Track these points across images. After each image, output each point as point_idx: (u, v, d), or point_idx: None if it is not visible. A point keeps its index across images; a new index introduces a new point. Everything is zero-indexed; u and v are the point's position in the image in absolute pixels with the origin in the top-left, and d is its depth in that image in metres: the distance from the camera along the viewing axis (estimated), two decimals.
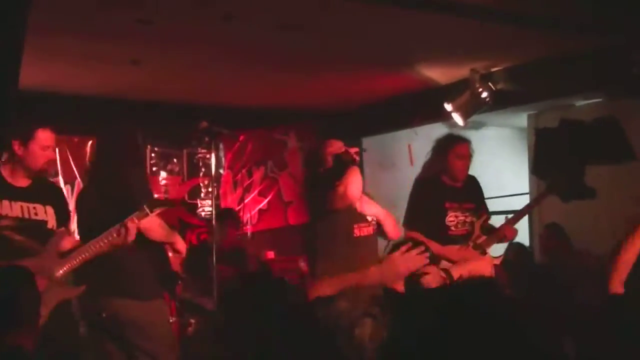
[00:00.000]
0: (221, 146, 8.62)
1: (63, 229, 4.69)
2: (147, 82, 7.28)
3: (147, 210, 4.51)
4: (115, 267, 4.71)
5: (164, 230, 4.84)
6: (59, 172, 7.83)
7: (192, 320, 6.35)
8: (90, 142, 7.96)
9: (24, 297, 3.13)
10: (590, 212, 7.26)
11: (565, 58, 6.55)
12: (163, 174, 8.42)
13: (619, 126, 7.10)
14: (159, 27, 5.55)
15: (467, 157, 5.66)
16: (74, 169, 7.93)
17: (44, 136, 4.58)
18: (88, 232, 4.70)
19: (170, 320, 5.18)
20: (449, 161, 5.61)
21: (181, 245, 4.96)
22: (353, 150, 4.86)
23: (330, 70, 7.16)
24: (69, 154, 7.93)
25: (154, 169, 8.31)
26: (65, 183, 7.84)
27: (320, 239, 4.70)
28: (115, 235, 4.48)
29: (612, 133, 7.14)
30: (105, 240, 4.48)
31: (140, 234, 4.63)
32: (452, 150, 5.60)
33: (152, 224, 4.70)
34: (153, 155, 8.11)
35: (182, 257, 5.10)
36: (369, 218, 4.81)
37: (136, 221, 4.52)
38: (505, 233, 5.80)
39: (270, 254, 8.33)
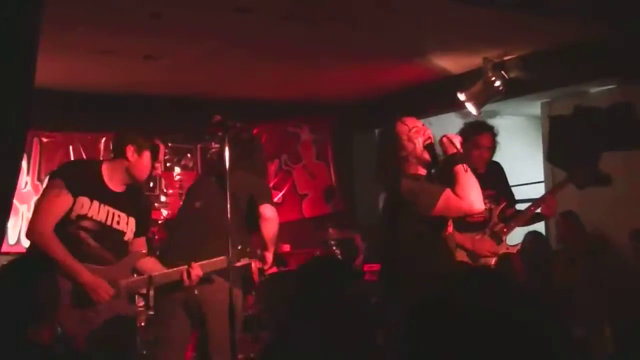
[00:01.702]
0: None
1: (144, 251, 4.68)
2: (159, 77, 7.28)
3: (232, 260, 4.26)
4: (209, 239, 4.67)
5: (275, 235, 4.86)
6: None
7: None
8: (103, 139, 7.97)
9: (43, 290, 3.05)
10: (605, 199, 7.23)
11: (578, 45, 6.52)
12: (177, 169, 8.42)
13: (633, 112, 7.07)
14: (171, 20, 5.56)
15: (487, 147, 5.53)
16: None
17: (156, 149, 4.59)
18: None
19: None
20: (469, 150, 5.50)
21: (270, 257, 4.86)
22: (456, 138, 4.31)
23: (342, 62, 7.15)
24: (82, 150, 7.94)
25: (168, 164, 8.31)
26: None
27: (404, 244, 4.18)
28: (179, 276, 4.53)
29: (626, 119, 7.12)
30: (172, 277, 4.53)
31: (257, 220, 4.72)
32: (471, 140, 5.41)
33: (275, 222, 4.78)
34: (167, 150, 8.11)
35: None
36: None
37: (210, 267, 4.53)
38: (520, 222, 5.74)
39: (286, 247, 8.33)
